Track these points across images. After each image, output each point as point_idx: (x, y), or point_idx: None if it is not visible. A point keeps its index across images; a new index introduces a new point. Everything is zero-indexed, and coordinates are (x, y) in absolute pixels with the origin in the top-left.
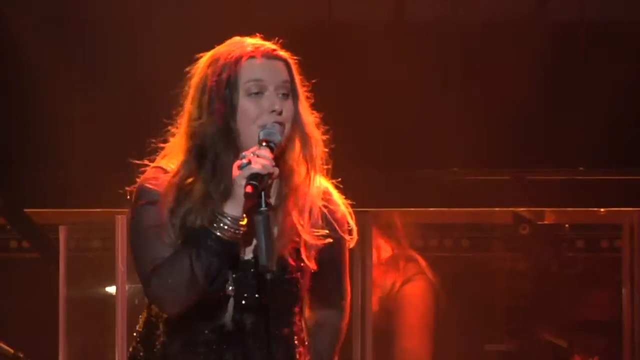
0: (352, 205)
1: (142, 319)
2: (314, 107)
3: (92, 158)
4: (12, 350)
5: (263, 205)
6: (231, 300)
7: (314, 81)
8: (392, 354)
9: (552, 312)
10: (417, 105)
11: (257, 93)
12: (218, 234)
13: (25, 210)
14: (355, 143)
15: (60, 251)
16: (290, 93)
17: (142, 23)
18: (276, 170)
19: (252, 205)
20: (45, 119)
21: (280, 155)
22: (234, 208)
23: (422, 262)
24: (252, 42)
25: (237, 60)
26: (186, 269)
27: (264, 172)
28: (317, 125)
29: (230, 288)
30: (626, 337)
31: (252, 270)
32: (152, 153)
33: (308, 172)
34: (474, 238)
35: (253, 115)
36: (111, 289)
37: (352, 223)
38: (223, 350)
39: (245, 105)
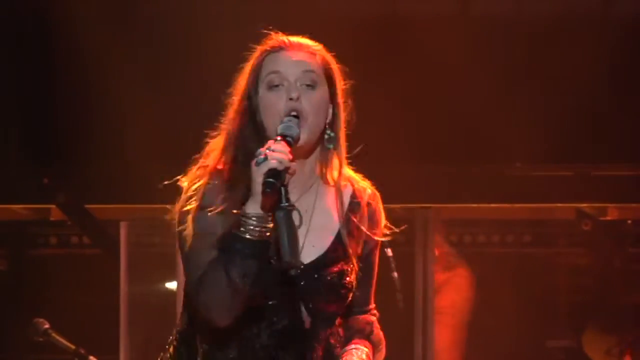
0: (414, 201)
1: (184, 316)
2: (380, 101)
3: (153, 154)
4: (73, 347)
5: (284, 201)
6: (301, 304)
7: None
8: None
9: (614, 308)
10: (481, 100)
11: (277, 86)
12: (247, 236)
13: (86, 206)
14: (418, 138)
15: (121, 247)
16: (318, 84)
17: (206, 20)
18: (294, 165)
19: (276, 202)
20: (107, 115)
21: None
22: (256, 207)
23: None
24: (280, 37)
25: (261, 55)
26: (224, 278)
27: (281, 167)
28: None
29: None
30: None
31: (311, 273)
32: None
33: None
34: (536, 234)
35: (275, 107)
36: (172, 285)
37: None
38: (280, 353)
39: (266, 98)
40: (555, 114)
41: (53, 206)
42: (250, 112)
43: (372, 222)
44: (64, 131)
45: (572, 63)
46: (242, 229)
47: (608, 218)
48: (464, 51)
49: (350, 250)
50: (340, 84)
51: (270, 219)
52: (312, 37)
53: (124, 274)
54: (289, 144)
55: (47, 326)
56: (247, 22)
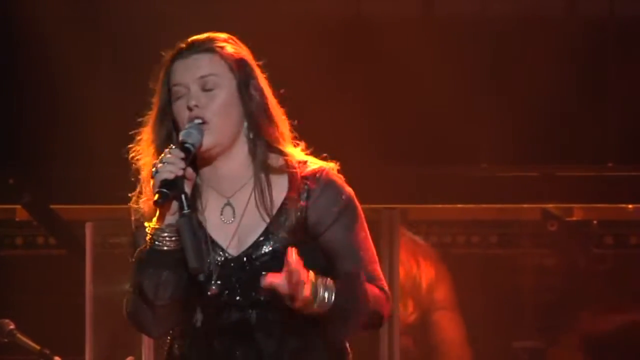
0: (380, 202)
1: None
2: (345, 103)
3: (119, 154)
4: (38, 347)
5: (185, 208)
6: (223, 299)
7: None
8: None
9: (580, 309)
10: (446, 101)
11: (180, 96)
12: (164, 247)
13: (52, 206)
14: (383, 139)
15: (87, 247)
16: (219, 84)
17: (170, 20)
18: (188, 171)
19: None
20: (73, 115)
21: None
22: (161, 218)
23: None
24: (179, 43)
25: (166, 66)
26: (138, 291)
27: (171, 176)
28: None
29: (213, 288)
30: None
31: (232, 266)
32: None
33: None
34: (502, 234)
35: (181, 117)
36: None
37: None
38: (231, 347)
39: (174, 109)
40: (520, 114)
41: (18, 206)
42: (169, 122)
43: (322, 200)
44: (30, 131)
45: (537, 64)
46: (156, 242)
47: (574, 218)
48: (428, 52)
49: (287, 236)
50: (252, 71)
51: (169, 228)
52: (267, 37)
53: (89, 275)
54: (187, 150)
55: (12, 327)
56: (211, 22)
